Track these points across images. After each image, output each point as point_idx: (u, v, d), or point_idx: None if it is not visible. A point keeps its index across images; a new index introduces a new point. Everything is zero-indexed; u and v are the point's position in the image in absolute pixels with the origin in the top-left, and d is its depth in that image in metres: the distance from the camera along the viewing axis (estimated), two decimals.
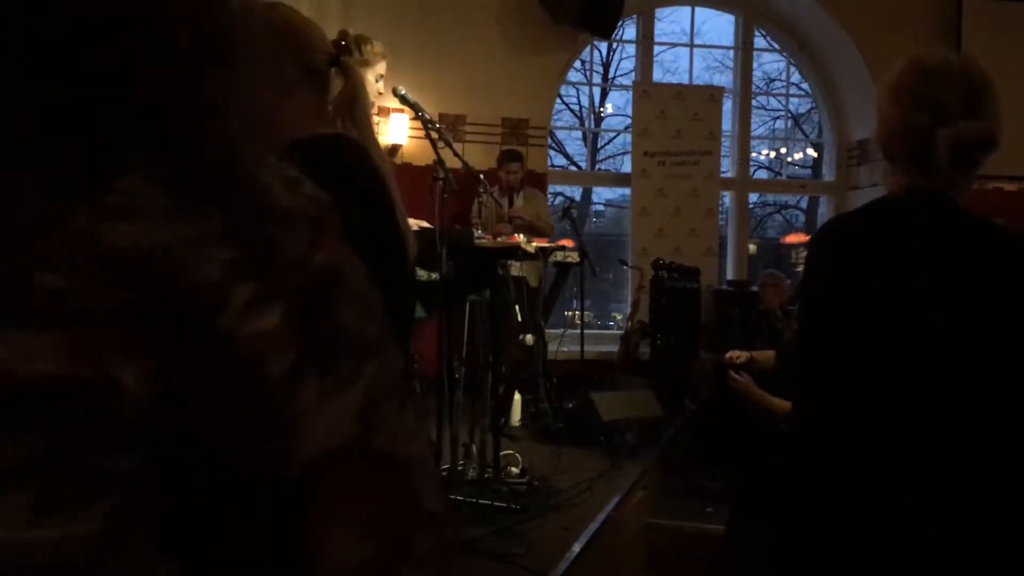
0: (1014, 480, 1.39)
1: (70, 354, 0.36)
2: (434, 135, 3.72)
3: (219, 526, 0.38)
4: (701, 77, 12.32)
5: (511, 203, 6.30)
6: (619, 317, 8.14)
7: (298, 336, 0.41)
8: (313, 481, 0.39)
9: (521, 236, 4.03)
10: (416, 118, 3.91)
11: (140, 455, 0.37)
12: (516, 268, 5.21)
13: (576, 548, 3.23)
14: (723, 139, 7.68)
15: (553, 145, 11.64)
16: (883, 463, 1.41)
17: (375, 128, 3.53)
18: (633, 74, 8.78)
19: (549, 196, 8.45)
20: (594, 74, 13.02)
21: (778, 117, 13.10)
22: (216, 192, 0.45)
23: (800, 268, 11.36)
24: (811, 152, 9.02)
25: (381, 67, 3.76)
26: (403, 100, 3.81)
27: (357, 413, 0.42)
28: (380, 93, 3.85)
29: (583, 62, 9.14)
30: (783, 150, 10.33)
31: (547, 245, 4.36)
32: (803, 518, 1.50)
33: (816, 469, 1.49)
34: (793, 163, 10.64)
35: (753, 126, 8.67)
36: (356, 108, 1.61)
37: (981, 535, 1.38)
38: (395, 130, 6.54)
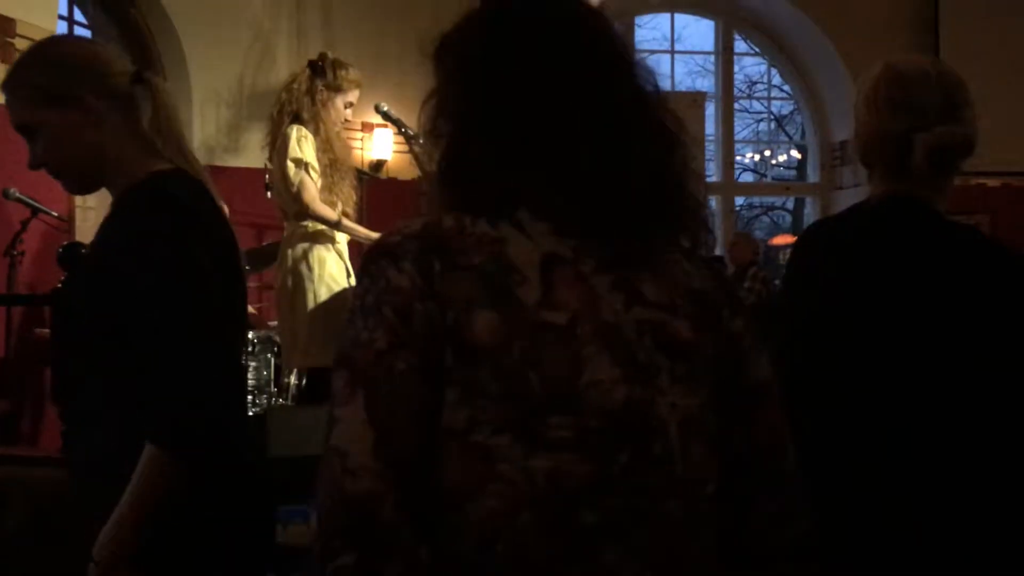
0: (994, 476, 1.39)
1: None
2: (417, 150, 3.72)
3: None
4: (683, 82, 12.36)
5: None
6: None
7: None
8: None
9: None
10: (400, 133, 3.91)
11: None
12: None
13: None
14: (707, 143, 7.70)
15: None
16: (861, 464, 1.41)
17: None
18: None
19: None
20: None
21: (761, 120, 13.17)
22: None
23: None
24: (795, 154, 9.06)
25: (353, 95, 3.75)
26: (385, 116, 3.80)
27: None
28: (347, 120, 3.86)
29: None
30: (767, 152, 10.36)
31: None
32: None
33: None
34: (778, 164, 10.68)
35: (737, 129, 8.70)
36: (170, 125, 1.53)
37: (962, 535, 1.38)
38: (379, 145, 6.53)
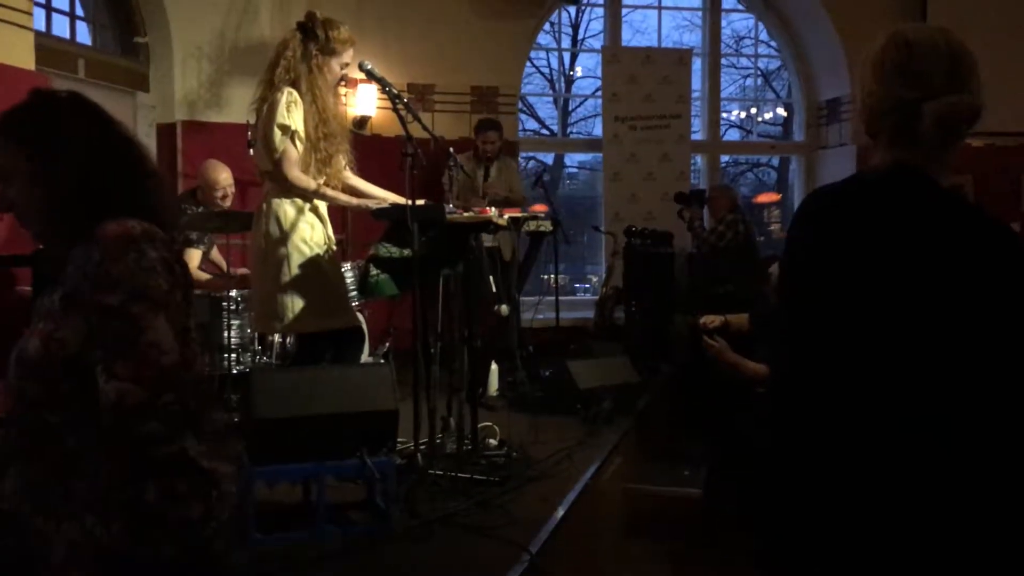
0: (995, 450, 1.41)
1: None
2: (401, 110, 3.67)
3: None
4: (670, 36, 12.25)
5: (487, 175, 6.24)
6: (595, 280, 8.14)
7: None
8: None
9: (493, 209, 3.99)
10: (383, 92, 3.86)
11: None
12: (489, 239, 5.17)
13: (556, 517, 3.26)
14: (693, 100, 7.66)
15: (524, 109, 11.54)
16: (865, 431, 1.42)
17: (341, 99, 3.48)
18: (603, 35, 8.72)
19: (521, 160, 8.39)
20: (564, 36, 12.93)
21: (748, 76, 13.07)
22: None
23: (772, 227, 11.33)
24: (781, 111, 9.02)
25: (348, 55, 3.63)
26: (369, 75, 3.75)
27: None
28: (342, 80, 3.77)
29: (552, 24, 9.07)
30: (753, 110, 10.32)
31: (519, 215, 4.31)
32: (781, 481, 1.52)
33: (802, 437, 1.51)
34: (764, 122, 10.64)
35: (723, 84, 8.65)
36: None
37: (953, 498, 1.40)
38: (363, 101, 6.47)
